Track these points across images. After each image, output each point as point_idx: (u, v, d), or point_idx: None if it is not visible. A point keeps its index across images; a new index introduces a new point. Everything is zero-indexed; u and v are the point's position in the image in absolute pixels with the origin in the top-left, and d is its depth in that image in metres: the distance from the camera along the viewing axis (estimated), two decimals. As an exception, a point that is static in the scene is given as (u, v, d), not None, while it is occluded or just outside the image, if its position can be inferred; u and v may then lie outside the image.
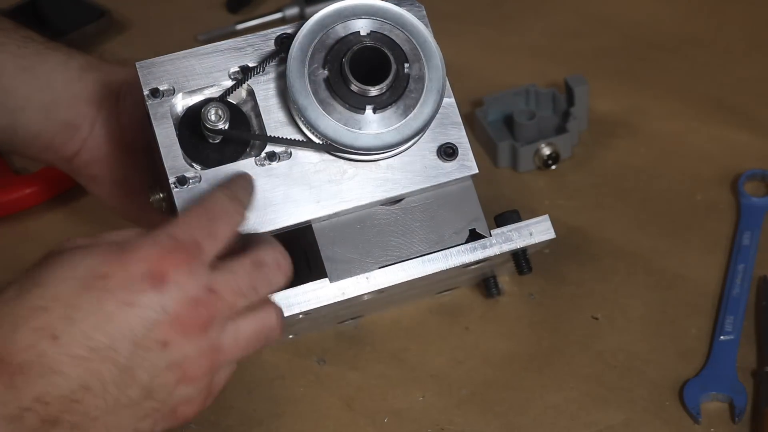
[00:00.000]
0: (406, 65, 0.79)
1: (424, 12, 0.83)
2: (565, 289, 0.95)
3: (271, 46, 0.81)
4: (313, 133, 0.79)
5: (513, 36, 1.22)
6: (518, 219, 0.84)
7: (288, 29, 0.82)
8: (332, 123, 0.79)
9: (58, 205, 1.07)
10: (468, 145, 0.82)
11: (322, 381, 0.90)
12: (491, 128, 1.09)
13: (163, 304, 0.65)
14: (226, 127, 0.78)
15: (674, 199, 1.03)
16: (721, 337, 0.90)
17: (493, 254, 0.82)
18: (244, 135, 0.80)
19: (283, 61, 0.80)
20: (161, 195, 0.82)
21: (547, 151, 1.06)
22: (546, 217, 0.84)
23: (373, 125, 0.79)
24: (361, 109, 0.79)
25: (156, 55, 1.25)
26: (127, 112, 0.88)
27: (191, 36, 1.26)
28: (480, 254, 0.82)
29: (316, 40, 0.79)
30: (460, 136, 0.82)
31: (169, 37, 1.27)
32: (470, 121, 1.11)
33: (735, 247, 0.97)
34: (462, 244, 0.82)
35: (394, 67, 0.78)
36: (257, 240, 0.72)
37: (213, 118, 0.78)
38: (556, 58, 1.18)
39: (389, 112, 0.79)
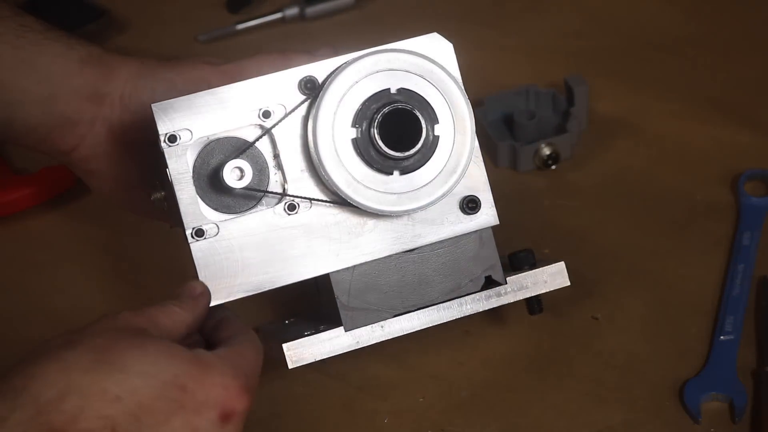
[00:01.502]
0: (437, 126, 0.77)
1: (453, 51, 0.80)
2: (565, 289, 0.95)
3: (292, 86, 0.78)
4: (336, 191, 0.77)
5: (513, 36, 1.22)
6: (533, 259, 0.84)
7: (312, 71, 0.78)
8: (357, 184, 0.77)
9: (58, 205, 1.07)
10: (491, 197, 0.81)
11: (322, 381, 0.90)
12: (491, 128, 1.09)
13: None
14: (246, 185, 0.76)
15: (674, 199, 1.03)
16: (721, 337, 0.90)
17: (507, 302, 0.82)
18: (263, 192, 0.78)
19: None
20: (162, 194, 0.81)
21: (547, 151, 1.06)
22: (561, 263, 0.83)
23: (398, 186, 0.77)
24: (388, 173, 0.77)
25: (156, 54, 1.25)
26: (131, 110, 0.86)
27: (191, 36, 1.27)
28: (495, 302, 0.81)
29: (344, 95, 0.77)
30: (483, 186, 0.81)
31: (169, 37, 1.27)
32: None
33: (735, 247, 0.97)
34: (477, 291, 0.81)
35: (424, 132, 0.77)
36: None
37: (232, 176, 0.76)
38: (556, 58, 1.18)
39: (415, 174, 0.78)
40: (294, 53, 0.85)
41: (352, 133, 0.76)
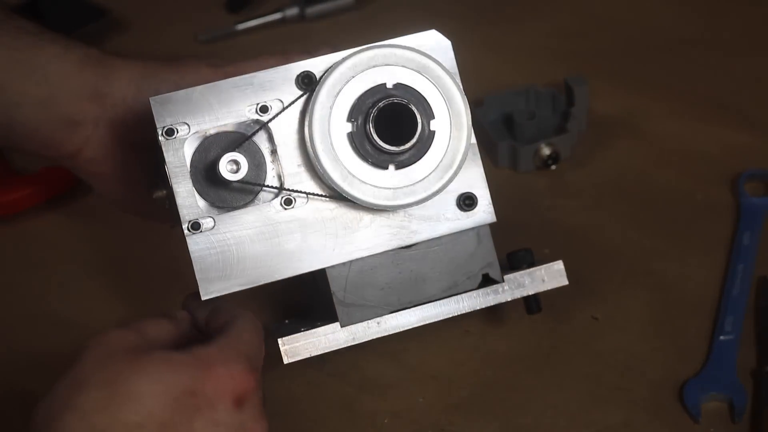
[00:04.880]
0: (433, 122, 0.77)
1: (451, 48, 0.80)
2: (565, 289, 0.95)
3: (290, 81, 0.78)
4: (331, 186, 0.77)
5: (513, 36, 1.22)
6: (531, 259, 0.84)
7: (309, 66, 0.78)
8: (352, 178, 0.77)
9: (58, 205, 1.07)
10: (488, 194, 0.81)
11: (322, 381, 0.90)
12: (491, 128, 1.09)
13: (242, 421, 0.68)
14: (242, 177, 0.76)
15: (674, 199, 1.03)
16: (721, 337, 0.90)
17: (504, 300, 0.82)
18: (260, 185, 0.78)
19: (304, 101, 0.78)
20: (164, 192, 0.81)
21: (547, 151, 1.06)
22: (560, 262, 0.83)
23: (393, 182, 0.77)
24: (383, 167, 0.77)
25: (156, 54, 1.25)
26: (134, 112, 0.86)
27: (191, 36, 1.27)
28: (492, 300, 0.81)
29: (341, 90, 0.77)
30: (480, 183, 0.80)
31: (169, 37, 1.27)
32: (470, 121, 1.11)
33: (735, 247, 0.97)
34: (475, 289, 0.81)
35: (419, 126, 0.77)
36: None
37: (228, 169, 0.76)
38: (556, 58, 1.18)
39: (411, 169, 0.78)
40: (295, 54, 0.85)
41: (348, 127, 0.77)
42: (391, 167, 0.77)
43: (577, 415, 0.86)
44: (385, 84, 0.77)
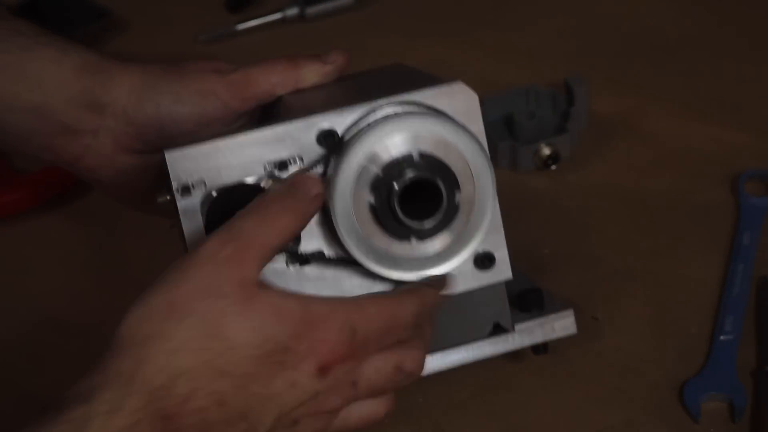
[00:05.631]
0: (458, 194, 0.74)
1: (478, 105, 0.77)
2: (565, 289, 0.95)
3: (311, 138, 0.74)
4: (349, 254, 0.74)
5: (513, 36, 1.22)
6: (542, 302, 0.83)
7: (326, 122, 0.74)
8: (370, 248, 0.74)
9: (58, 205, 1.07)
10: (506, 253, 0.77)
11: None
12: (491, 128, 1.09)
13: (317, 390, 0.66)
14: None
15: (674, 199, 1.03)
16: (721, 337, 0.90)
17: (514, 348, 0.81)
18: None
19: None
20: (167, 197, 0.78)
21: (547, 151, 1.06)
22: (570, 313, 0.83)
23: (414, 252, 0.75)
24: (405, 239, 0.74)
25: (156, 55, 1.25)
26: (135, 124, 0.83)
27: (191, 36, 1.27)
28: (501, 348, 0.80)
29: (366, 157, 0.73)
30: (499, 242, 0.77)
31: (169, 37, 1.27)
32: (470, 121, 1.11)
33: (735, 247, 0.97)
34: (485, 338, 0.80)
35: (445, 202, 0.73)
36: (409, 336, 0.71)
37: None
38: (556, 58, 1.18)
39: (433, 241, 0.75)
40: (303, 60, 0.83)
41: (371, 198, 0.73)
42: (413, 239, 0.74)
43: (577, 415, 0.86)
44: (411, 156, 0.73)
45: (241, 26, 1.26)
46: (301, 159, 0.74)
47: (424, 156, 0.73)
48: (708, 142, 1.08)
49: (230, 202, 0.72)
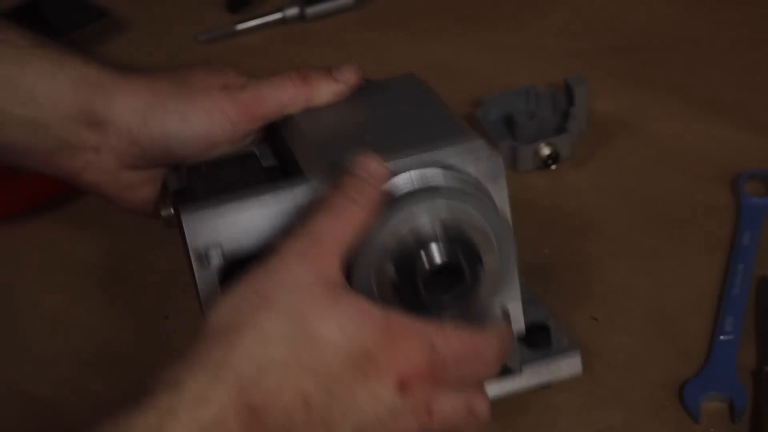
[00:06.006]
0: (479, 267, 0.72)
1: (503, 168, 0.74)
2: (565, 289, 0.95)
3: None
4: None
5: (513, 36, 1.22)
6: (548, 336, 0.83)
7: None
8: None
9: (58, 205, 1.07)
10: (520, 306, 0.77)
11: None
12: (491, 128, 1.09)
13: (396, 407, 0.65)
14: None
15: (674, 199, 1.03)
16: (721, 337, 0.90)
17: (520, 388, 0.81)
18: None
19: None
20: (171, 211, 0.79)
21: (547, 151, 1.06)
22: (578, 353, 0.82)
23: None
24: (423, 311, 0.72)
25: (156, 55, 1.25)
26: (141, 145, 0.80)
27: (191, 36, 1.27)
28: (509, 388, 0.80)
29: (389, 234, 0.70)
30: (515, 296, 0.77)
31: (169, 37, 1.27)
32: (470, 121, 1.11)
33: (735, 247, 0.97)
34: (492, 379, 0.77)
35: (468, 281, 0.71)
36: (484, 373, 0.70)
37: None
38: (556, 58, 1.18)
39: (453, 311, 0.73)
40: (315, 77, 0.81)
41: (391, 272, 0.71)
42: (433, 312, 0.73)
43: (577, 415, 0.86)
44: (436, 235, 0.70)
45: (241, 26, 1.26)
46: None
47: (448, 233, 0.70)
48: (708, 142, 1.08)
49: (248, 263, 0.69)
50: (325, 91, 0.80)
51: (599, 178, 1.06)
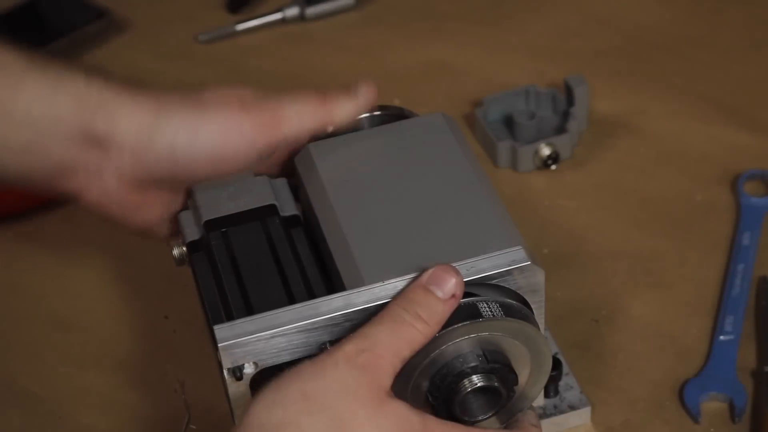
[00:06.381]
0: (516, 387, 0.72)
1: (542, 278, 0.72)
2: (565, 290, 0.95)
3: (364, 318, 0.69)
4: None
5: (513, 36, 1.22)
6: (560, 377, 0.83)
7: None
8: None
9: (58, 205, 1.07)
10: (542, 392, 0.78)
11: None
12: (491, 128, 1.09)
13: None
14: None
15: (674, 199, 1.03)
16: (721, 337, 0.90)
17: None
18: None
19: None
20: (183, 249, 0.78)
21: (547, 151, 1.06)
22: (588, 410, 0.84)
23: None
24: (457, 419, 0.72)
25: (156, 56, 1.25)
26: (146, 167, 0.76)
27: (191, 36, 1.26)
28: None
29: (431, 358, 0.69)
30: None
31: (169, 37, 1.27)
32: (470, 121, 1.11)
33: (735, 247, 0.97)
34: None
35: (503, 402, 0.71)
36: None
37: None
38: (556, 58, 1.18)
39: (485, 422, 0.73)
40: (333, 94, 0.78)
41: (427, 393, 0.70)
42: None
43: (577, 415, 0.86)
44: (477, 366, 0.69)
45: (241, 26, 1.26)
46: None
47: (489, 360, 0.70)
48: (708, 142, 1.08)
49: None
50: (345, 108, 0.79)
51: (599, 178, 1.06)
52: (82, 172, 0.77)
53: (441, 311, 0.67)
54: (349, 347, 0.65)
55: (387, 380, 0.65)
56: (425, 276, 0.68)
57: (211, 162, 0.76)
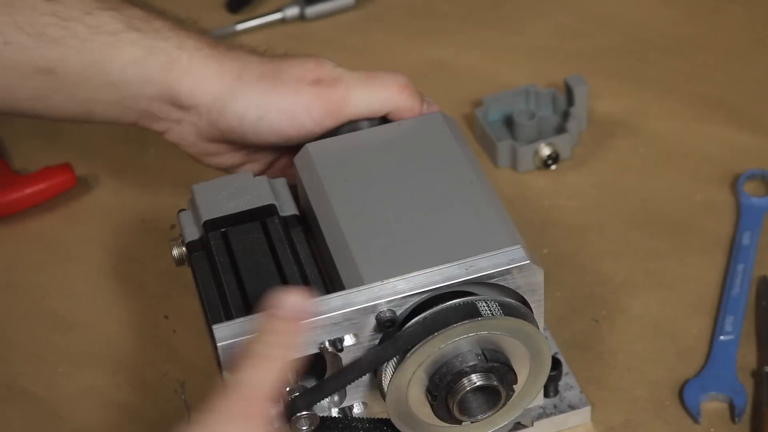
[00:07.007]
0: (515, 386, 0.72)
1: (542, 276, 0.72)
2: (565, 289, 0.95)
3: (370, 319, 0.70)
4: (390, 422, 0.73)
5: (513, 36, 1.22)
6: (559, 377, 0.83)
7: (388, 311, 0.70)
8: (416, 422, 0.73)
9: (58, 205, 1.07)
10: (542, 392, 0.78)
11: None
12: (491, 128, 1.09)
13: None
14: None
15: (674, 199, 1.03)
16: (721, 337, 0.90)
17: None
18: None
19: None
20: (183, 249, 0.79)
21: (547, 151, 1.06)
22: (588, 410, 0.84)
23: (456, 430, 0.74)
24: (456, 423, 0.73)
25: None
26: (219, 128, 0.84)
27: (191, 36, 1.26)
28: None
29: (427, 355, 0.69)
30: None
31: (169, 37, 1.27)
32: (470, 121, 1.11)
33: (735, 247, 0.97)
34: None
35: (502, 401, 0.72)
36: None
37: (304, 429, 0.69)
38: (556, 58, 1.18)
39: (485, 420, 0.74)
40: (409, 94, 0.84)
41: (427, 383, 0.71)
42: (466, 423, 0.73)
43: (577, 415, 0.86)
44: (476, 365, 0.70)
45: (241, 26, 1.26)
46: (357, 336, 0.71)
47: (489, 359, 0.70)
48: (708, 142, 1.08)
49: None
50: (409, 109, 0.83)
51: (599, 178, 1.06)
52: (164, 121, 0.85)
53: (287, 327, 0.67)
54: (222, 398, 0.64)
55: (264, 420, 0.65)
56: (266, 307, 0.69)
57: (276, 135, 0.83)
